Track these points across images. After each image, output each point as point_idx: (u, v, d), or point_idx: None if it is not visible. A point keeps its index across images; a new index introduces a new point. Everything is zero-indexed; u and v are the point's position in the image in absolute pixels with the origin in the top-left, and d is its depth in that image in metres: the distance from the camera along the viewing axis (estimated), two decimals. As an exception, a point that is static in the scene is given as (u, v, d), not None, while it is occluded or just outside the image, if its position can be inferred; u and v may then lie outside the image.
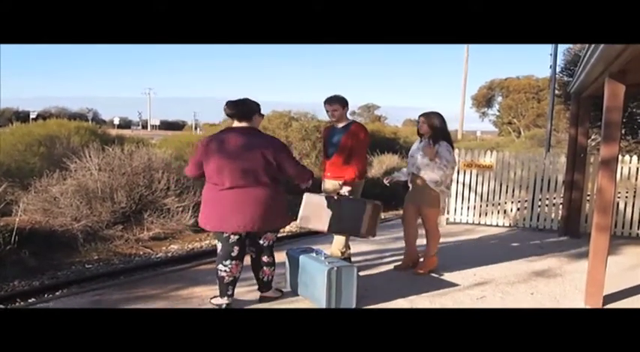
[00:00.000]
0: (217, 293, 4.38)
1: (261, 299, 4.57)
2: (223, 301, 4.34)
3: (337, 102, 5.34)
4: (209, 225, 4.24)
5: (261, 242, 4.37)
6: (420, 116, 5.54)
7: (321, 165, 5.92)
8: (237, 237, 4.23)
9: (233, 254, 4.25)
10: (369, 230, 4.79)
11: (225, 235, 4.22)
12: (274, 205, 4.20)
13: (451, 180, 5.63)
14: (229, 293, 4.33)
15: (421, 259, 5.70)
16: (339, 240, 5.45)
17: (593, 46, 4.46)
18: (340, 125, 5.41)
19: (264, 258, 4.43)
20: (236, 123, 4.25)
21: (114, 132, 20.97)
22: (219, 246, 4.30)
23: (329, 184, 5.47)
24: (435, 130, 5.42)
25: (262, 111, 4.39)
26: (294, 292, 4.81)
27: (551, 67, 13.19)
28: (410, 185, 5.61)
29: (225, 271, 4.26)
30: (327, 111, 5.43)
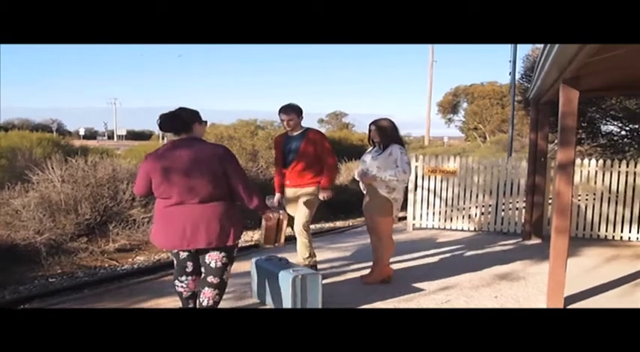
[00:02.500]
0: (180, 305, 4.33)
1: None
2: (186, 313, 4.27)
3: (293, 112, 5.36)
4: (157, 242, 4.03)
5: (207, 261, 4.01)
6: (370, 124, 5.45)
7: (275, 174, 5.68)
8: (186, 253, 4.03)
9: (187, 269, 4.09)
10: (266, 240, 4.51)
11: (174, 251, 4.05)
12: (221, 222, 3.85)
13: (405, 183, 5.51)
14: (190, 306, 4.25)
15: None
16: (302, 248, 5.45)
17: (546, 51, 4.56)
18: (295, 133, 5.43)
19: (209, 278, 4.00)
20: (176, 136, 3.96)
21: (78, 143, 20.66)
22: (175, 261, 4.17)
23: (290, 192, 5.50)
24: (386, 135, 5.33)
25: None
26: (261, 301, 4.81)
27: (510, 73, 13.45)
28: (364, 193, 5.48)
29: (182, 287, 4.14)
30: (282, 121, 5.42)
